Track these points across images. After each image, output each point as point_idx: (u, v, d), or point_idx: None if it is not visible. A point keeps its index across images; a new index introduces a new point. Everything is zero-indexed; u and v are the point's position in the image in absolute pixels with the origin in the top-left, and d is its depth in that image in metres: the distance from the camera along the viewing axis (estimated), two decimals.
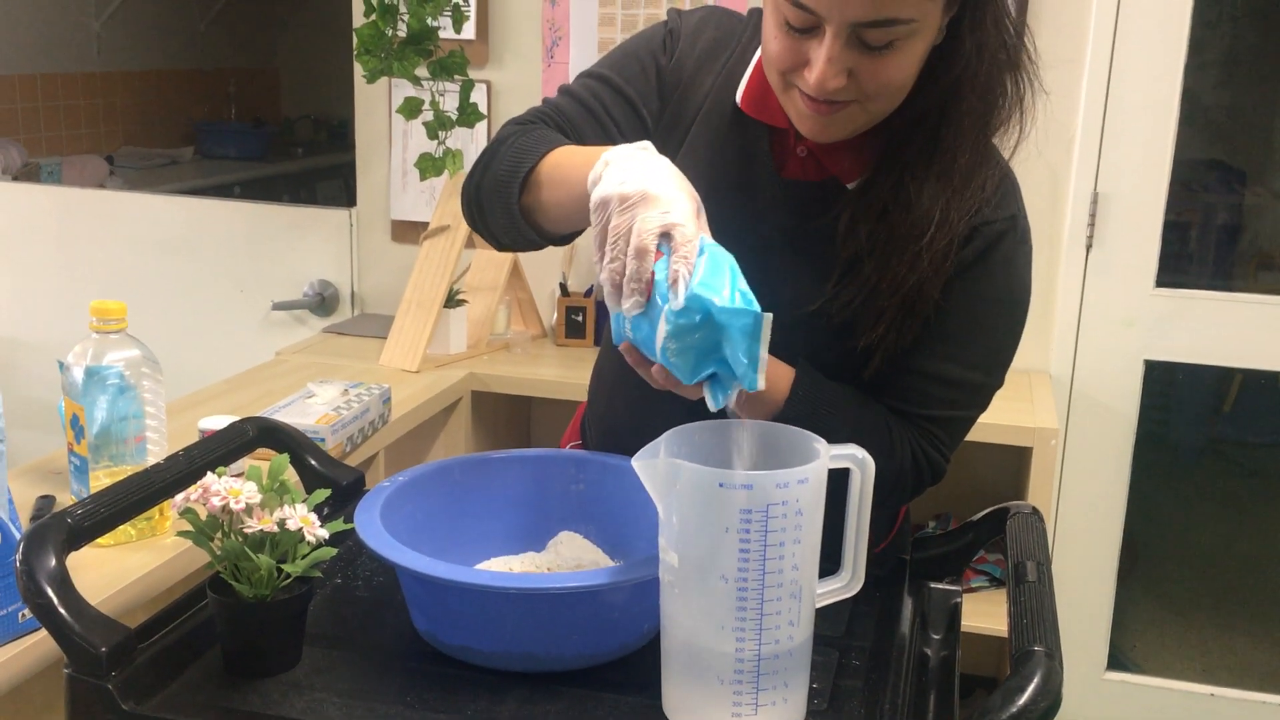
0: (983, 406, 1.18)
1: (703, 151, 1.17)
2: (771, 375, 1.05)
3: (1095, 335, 2.53)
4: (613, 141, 1.15)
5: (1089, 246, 2.49)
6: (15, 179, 3.42)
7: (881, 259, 1.08)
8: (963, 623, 1.10)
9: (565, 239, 1.14)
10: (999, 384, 1.17)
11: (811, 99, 1.03)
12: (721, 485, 0.84)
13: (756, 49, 1.18)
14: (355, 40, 2.29)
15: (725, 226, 1.02)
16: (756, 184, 1.16)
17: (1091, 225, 2.48)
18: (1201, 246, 2.73)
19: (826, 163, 1.13)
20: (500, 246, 1.21)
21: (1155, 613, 2.86)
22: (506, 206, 1.12)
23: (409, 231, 2.76)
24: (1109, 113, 2.43)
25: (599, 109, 1.19)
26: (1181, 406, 2.79)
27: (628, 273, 0.90)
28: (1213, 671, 2.71)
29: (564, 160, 1.07)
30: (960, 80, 1.06)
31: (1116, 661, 2.69)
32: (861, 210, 1.09)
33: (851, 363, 1.13)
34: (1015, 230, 1.14)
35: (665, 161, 0.95)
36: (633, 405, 1.26)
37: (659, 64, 1.21)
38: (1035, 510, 1.08)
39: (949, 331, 1.12)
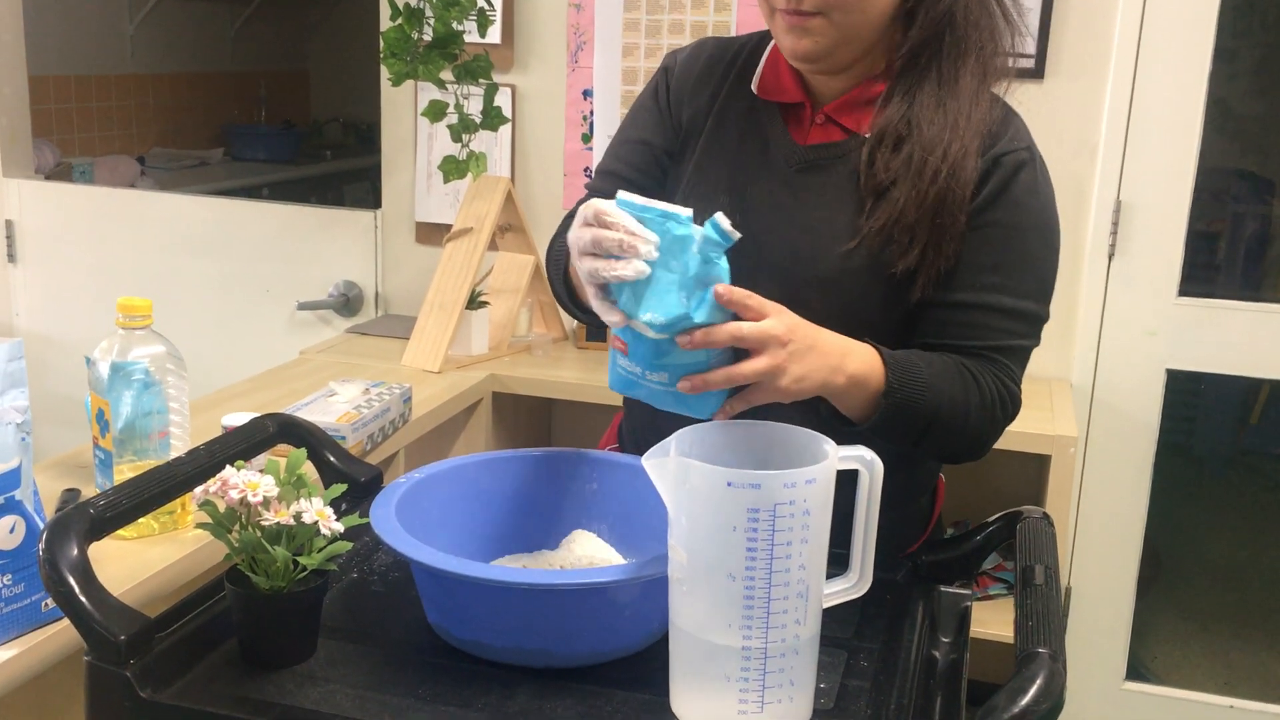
0: (1037, 338, 1.23)
1: (724, 146, 1.27)
2: (862, 365, 1.10)
3: (1117, 344, 2.52)
4: (659, 179, 1.32)
5: (1111, 255, 2.48)
6: (48, 178, 3.47)
7: (903, 182, 1.16)
8: (980, 630, 1.11)
9: None
10: (1047, 316, 1.23)
11: (785, 12, 1.16)
12: (730, 484, 0.85)
13: (768, 47, 1.29)
14: (381, 44, 2.31)
15: (759, 205, 1.20)
16: (780, 160, 1.25)
17: (1114, 233, 2.47)
18: (1230, 256, 2.71)
19: (844, 122, 1.23)
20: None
21: (1176, 624, 2.85)
22: (559, 297, 1.32)
23: (433, 233, 2.79)
24: (1133, 121, 2.42)
25: (632, 170, 1.33)
26: (1206, 417, 2.78)
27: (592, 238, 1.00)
28: (1234, 684, 2.69)
29: None
30: (951, 11, 1.17)
31: (1136, 672, 2.67)
32: (877, 146, 1.18)
33: (896, 295, 1.18)
34: (1034, 161, 1.21)
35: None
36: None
37: (661, 102, 1.34)
38: (1046, 515, 1.08)
39: (997, 263, 1.18)
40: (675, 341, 1.01)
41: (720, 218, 0.99)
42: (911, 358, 1.14)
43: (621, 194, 1.01)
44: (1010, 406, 1.21)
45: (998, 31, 1.21)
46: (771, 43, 1.30)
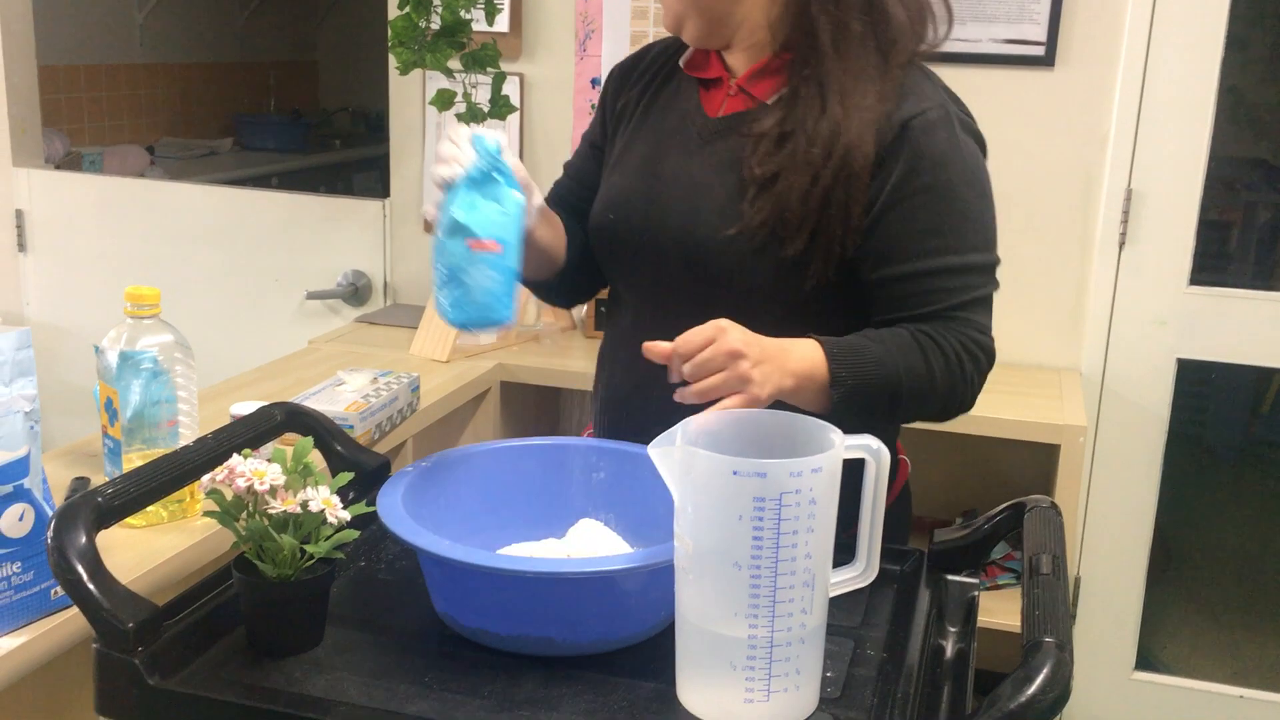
0: (995, 283, 1.24)
1: (649, 122, 1.35)
2: (803, 361, 1.13)
3: (1127, 333, 2.51)
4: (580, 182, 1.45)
5: (1122, 244, 2.47)
6: (58, 168, 3.48)
7: (787, 175, 1.19)
8: (987, 620, 1.10)
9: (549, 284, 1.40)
10: (998, 259, 1.25)
11: None
12: (736, 473, 0.85)
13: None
14: (389, 32, 2.31)
15: (667, 174, 1.28)
16: (692, 132, 1.30)
17: (1125, 222, 2.46)
18: (1242, 245, 2.70)
19: (754, 91, 1.27)
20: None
21: (1186, 614, 2.84)
22: None
23: None
24: (1144, 109, 2.41)
25: (582, 167, 1.45)
26: (1216, 406, 2.77)
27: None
28: (1243, 673, 2.68)
29: None
30: (843, 20, 1.20)
31: (1145, 662, 2.67)
32: (764, 134, 1.22)
33: (787, 277, 1.22)
34: (948, 115, 1.22)
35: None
36: (628, 373, 1.36)
37: (604, 100, 1.43)
38: (1053, 504, 1.08)
39: (936, 226, 1.19)
40: (453, 247, 1.14)
41: (485, 133, 1.14)
42: (857, 340, 1.17)
43: (476, 129, 1.16)
44: (983, 357, 1.22)
45: (890, 13, 1.22)
46: None
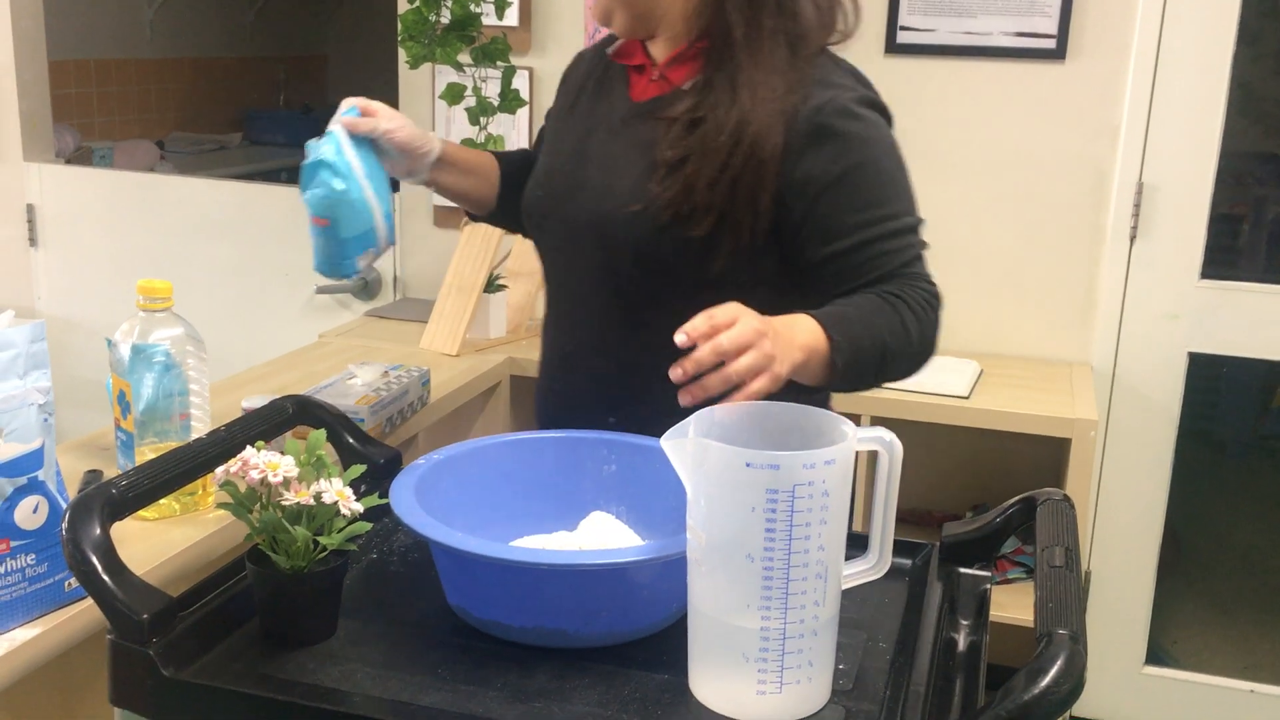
0: (923, 239, 1.31)
1: (579, 108, 1.42)
2: (806, 333, 1.15)
3: (1138, 327, 2.50)
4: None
5: (1133, 237, 2.47)
6: (69, 162, 3.49)
7: (695, 159, 1.24)
8: (1000, 614, 1.10)
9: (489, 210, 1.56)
10: (922, 218, 1.32)
11: None
12: (749, 465, 0.85)
13: None
14: (399, 26, 2.31)
15: (591, 155, 1.35)
16: (615, 116, 1.36)
17: (1136, 216, 2.45)
18: (1253, 240, 2.69)
19: (671, 76, 1.32)
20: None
21: (1196, 608, 2.83)
22: None
23: (451, 217, 2.79)
24: (1155, 102, 2.40)
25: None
26: (1227, 400, 2.76)
27: None
28: (1255, 668, 2.68)
29: None
30: (755, 15, 1.25)
31: (1156, 657, 2.67)
32: (676, 119, 1.27)
33: (694, 257, 1.26)
34: (861, 98, 1.27)
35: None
36: (552, 347, 1.47)
37: (559, 89, 1.52)
38: (1066, 497, 1.08)
39: (868, 200, 1.25)
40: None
41: (336, 122, 1.39)
42: (837, 309, 1.20)
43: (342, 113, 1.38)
44: (936, 301, 1.28)
45: (800, 10, 1.27)
46: None
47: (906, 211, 1.28)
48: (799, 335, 1.13)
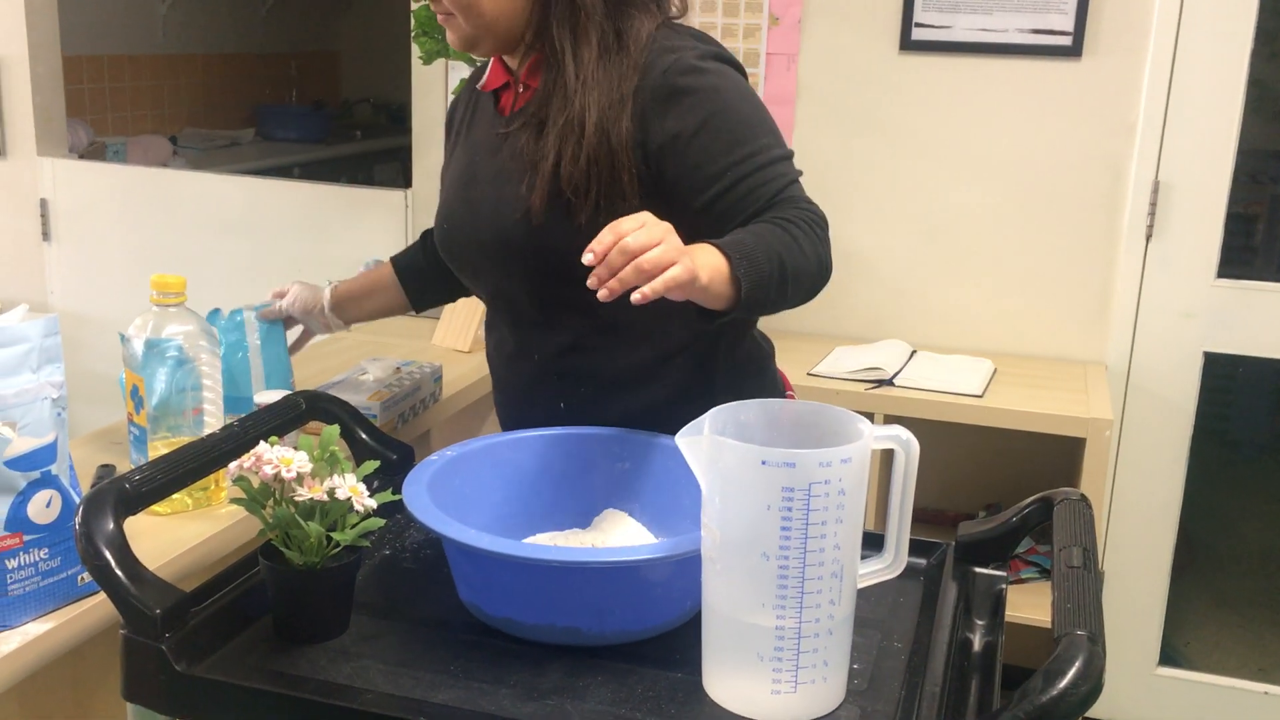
0: (796, 168, 1.34)
1: (462, 141, 1.46)
2: (707, 255, 1.15)
3: (1154, 326, 2.49)
4: None
5: (1149, 235, 2.45)
6: (82, 157, 3.49)
7: (549, 159, 1.29)
8: (1013, 614, 1.10)
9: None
10: (789, 150, 1.34)
11: (434, 7, 1.34)
12: (764, 463, 0.84)
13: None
14: (412, 22, 2.31)
15: (479, 179, 1.38)
16: (490, 131, 1.40)
17: (1152, 214, 2.44)
18: (1268, 239, 2.67)
19: (532, 83, 1.36)
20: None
21: (1210, 609, 2.82)
22: None
23: None
24: (1172, 100, 2.39)
25: None
26: (1243, 400, 2.74)
27: None
28: (1269, 670, 2.66)
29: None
30: (575, 14, 1.30)
31: (1169, 657, 2.65)
32: (526, 124, 1.33)
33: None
34: (703, 54, 1.31)
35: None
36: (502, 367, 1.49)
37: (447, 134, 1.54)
38: (1083, 497, 1.07)
39: (731, 142, 1.28)
40: None
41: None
42: (730, 237, 1.22)
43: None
44: (822, 220, 1.30)
45: (627, 5, 1.31)
46: None
47: (773, 145, 1.31)
48: (699, 257, 1.14)
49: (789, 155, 1.34)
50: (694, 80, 1.29)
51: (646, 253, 1.06)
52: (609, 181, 1.28)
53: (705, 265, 1.13)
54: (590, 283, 1.07)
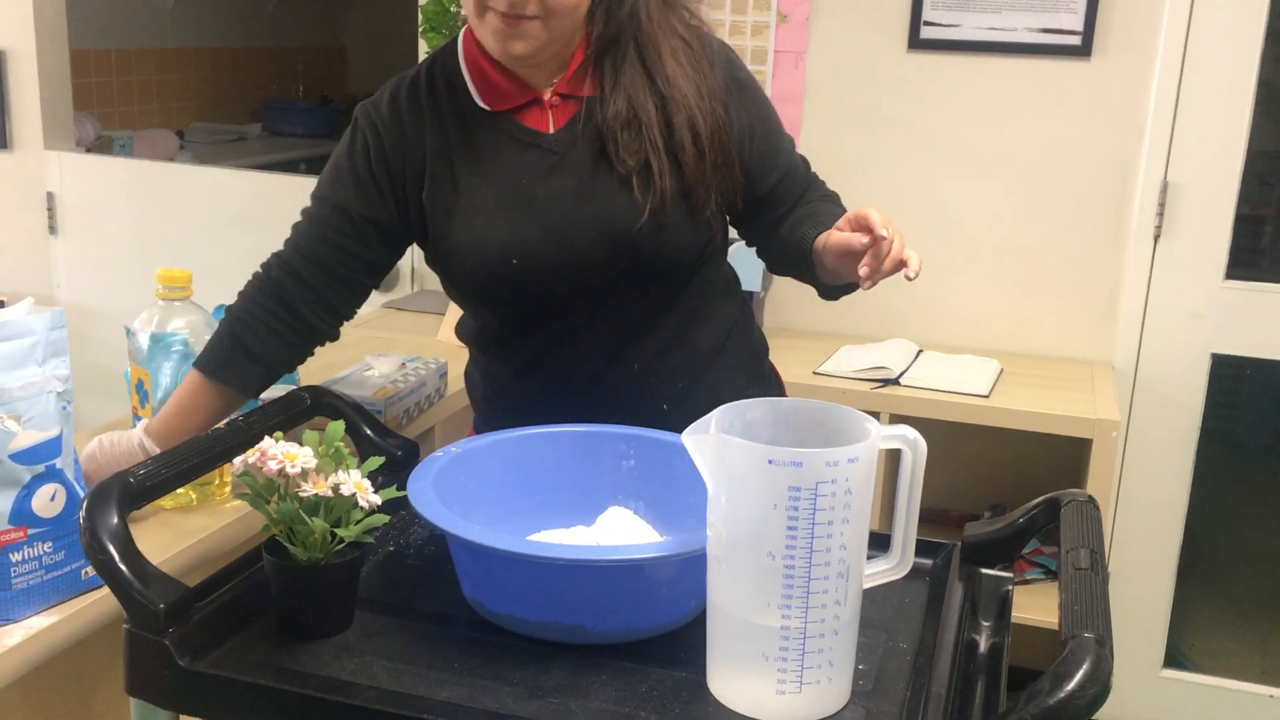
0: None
1: (482, 168, 1.32)
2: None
3: (1161, 327, 2.48)
4: (367, 244, 1.39)
5: (1157, 236, 2.44)
6: (89, 151, 3.50)
7: (655, 157, 1.28)
8: (1018, 615, 1.09)
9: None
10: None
11: (504, 15, 1.23)
12: (771, 462, 0.84)
13: (458, 63, 1.35)
14: (420, 17, 2.30)
15: (546, 202, 1.29)
16: (544, 154, 1.32)
17: (1160, 215, 2.43)
18: (1276, 241, 2.66)
19: (575, 93, 1.32)
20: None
21: (1215, 611, 2.81)
22: None
23: None
24: (1181, 100, 2.38)
25: (332, 237, 1.40)
26: (1250, 402, 2.73)
27: None
28: (1272, 672, 2.65)
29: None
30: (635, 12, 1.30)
31: (1174, 659, 2.64)
32: (613, 136, 1.29)
33: (705, 235, 1.36)
34: (729, 49, 1.40)
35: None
36: (550, 394, 1.41)
37: (362, 163, 1.36)
38: (1091, 498, 1.06)
39: (775, 129, 1.41)
40: None
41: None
42: (817, 214, 1.36)
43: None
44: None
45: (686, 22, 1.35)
46: (458, 58, 1.35)
47: (788, 139, 1.45)
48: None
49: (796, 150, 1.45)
50: (745, 73, 1.40)
51: (899, 247, 1.19)
52: (726, 172, 1.33)
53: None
54: (862, 271, 1.18)
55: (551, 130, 1.33)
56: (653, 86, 1.30)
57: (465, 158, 1.33)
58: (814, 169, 1.47)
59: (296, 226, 1.44)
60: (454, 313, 2.38)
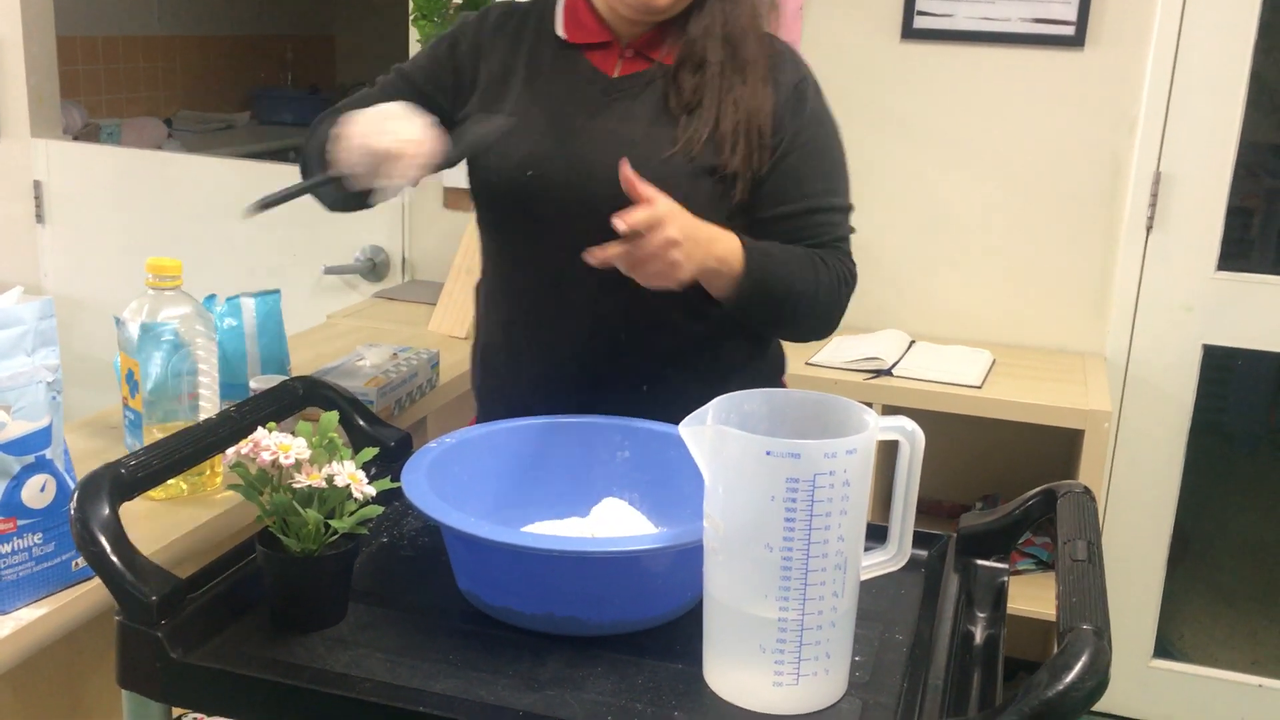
0: (852, 225, 1.44)
1: (538, 88, 1.40)
2: (727, 249, 1.28)
3: (1153, 318, 2.48)
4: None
5: (1149, 227, 2.44)
6: (76, 139, 3.47)
7: (710, 98, 1.33)
8: (1009, 606, 1.09)
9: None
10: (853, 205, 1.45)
11: None
12: (769, 454, 0.83)
13: (559, 2, 1.43)
14: (411, 5, 2.29)
15: (580, 131, 1.35)
16: (595, 91, 1.38)
17: (1153, 206, 2.43)
18: (1265, 232, 2.66)
19: (650, 53, 1.38)
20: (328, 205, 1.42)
21: (1204, 602, 2.82)
22: (313, 174, 1.36)
23: (461, 198, 2.77)
24: (1174, 91, 2.38)
25: (391, 95, 1.40)
26: (1240, 394, 2.74)
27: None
28: (1262, 662, 2.67)
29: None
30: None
31: (1164, 650, 2.65)
32: (679, 70, 1.35)
33: (720, 197, 1.34)
34: (815, 80, 1.41)
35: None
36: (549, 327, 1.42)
37: (444, 55, 1.46)
38: (1087, 490, 1.06)
39: (820, 171, 1.39)
40: None
41: None
42: (769, 245, 1.33)
43: None
44: (852, 280, 1.41)
45: None
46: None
47: (846, 193, 1.42)
48: (718, 248, 1.26)
49: (852, 207, 1.42)
50: (818, 104, 1.39)
51: (645, 266, 1.18)
52: (760, 130, 1.33)
53: (717, 258, 1.25)
54: (590, 256, 1.16)
55: (615, 75, 1.38)
56: (732, 60, 1.34)
57: (526, 76, 1.40)
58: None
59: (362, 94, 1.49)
60: (445, 303, 2.37)
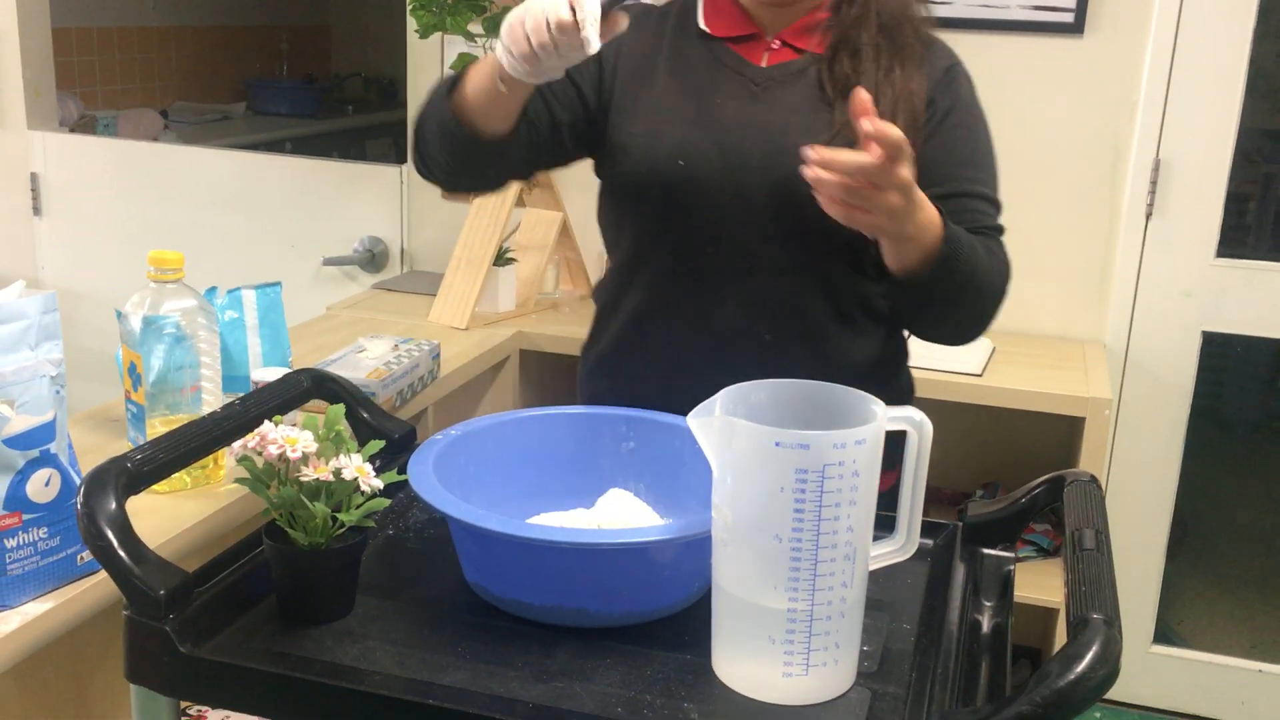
0: (1001, 223, 1.41)
1: (684, 79, 1.39)
2: (929, 218, 1.22)
3: (1153, 305, 2.48)
4: (561, 94, 1.40)
5: (1149, 214, 2.44)
6: (72, 131, 3.46)
7: (866, 81, 1.31)
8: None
9: (499, 144, 1.33)
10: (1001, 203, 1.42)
11: None
12: (778, 444, 0.83)
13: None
14: None
15: (730, 119, 1.34)
16: (745, 80, 1.37)
17: (1152, 193, 2.43)
18: (1261, 219, 2.67)
19: (801, 45, 1.38)
20: (447, 184, 1.43)
21: (1204, 587, 2.83)
22: (439, 115, 1.35)
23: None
24: (1174, 78, 2.37)
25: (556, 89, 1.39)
26: (1239, 380, 2.74)
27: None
28: (1261, 647, 2.68)
29: (476, 66, 1.32)
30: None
31: (1163, 635, 2.66)
32: (837, 52, 1.34)
33: None
34: (967, 71, 1.41)
35: None
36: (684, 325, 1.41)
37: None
38: (1093, 478, 1.06)
39: (968, 158, 1.37)
40: None
41: None
42: (951, 223, 1.27)
43: None
44: (1009, 270, 1.38)
45: None
46: None
47: (993, 184, 1.39)
48: (922, 215, 1.20)
49: (1000, 202, 1.39)
50: (968, 90, 1.39)
51: (864, 194, 1.11)
52: (913, 125, 1.30)
53: (919, 224, 1.19)
54: (811, 153, 1.09)
55: (763, 65, 1.37)
56: (888, 45, 1.33)
57: (670, 68, 1.40)
58: None
59: None
60: (445, 294, 2.36)
